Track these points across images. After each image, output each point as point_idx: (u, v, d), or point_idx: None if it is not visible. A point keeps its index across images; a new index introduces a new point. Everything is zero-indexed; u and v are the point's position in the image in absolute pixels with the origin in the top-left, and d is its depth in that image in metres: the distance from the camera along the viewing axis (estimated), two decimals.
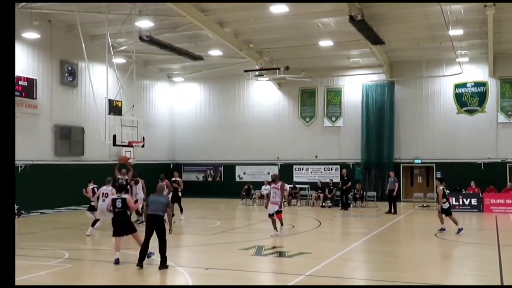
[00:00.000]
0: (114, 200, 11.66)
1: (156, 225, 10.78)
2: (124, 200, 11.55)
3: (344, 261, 12.01)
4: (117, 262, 11.07)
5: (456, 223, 16.23)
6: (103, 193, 15.78)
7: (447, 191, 24.07)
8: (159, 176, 17.72)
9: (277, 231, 15.59)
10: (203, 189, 31.68)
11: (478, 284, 9.77)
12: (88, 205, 18.10)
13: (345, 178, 25.22)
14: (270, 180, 28.86)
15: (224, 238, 15.54)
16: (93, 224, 16.14)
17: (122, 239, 11.48)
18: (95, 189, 17.24)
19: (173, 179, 20.10)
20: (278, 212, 15.69)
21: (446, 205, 16.48)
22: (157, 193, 11.45)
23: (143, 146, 23.13)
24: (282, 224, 15.98)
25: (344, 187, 24.84)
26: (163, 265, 10.63)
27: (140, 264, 10.68)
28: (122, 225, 11.45)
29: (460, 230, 16.11)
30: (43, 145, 23.85)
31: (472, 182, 24.88)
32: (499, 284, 9.59)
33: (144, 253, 10.76)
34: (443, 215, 16.52)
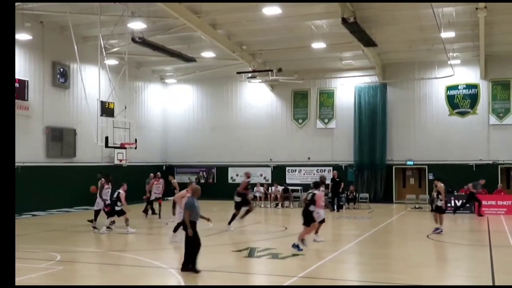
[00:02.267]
0: (308, 194, 13.51)
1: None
2: (313, 195, 13.28)
3: (337, 263, 12.02)
4: (298, 248, 12.66)
5: (441, 223, 16.41)
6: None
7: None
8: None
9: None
10: None
11: (470, 285, 9.82)
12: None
13: (337, 179, 25.25)
14: (262, 182, 29.51)
15: (217, 240, 15.48)
16: (175, 229, 14.22)
17: (307, 229, 13.05)
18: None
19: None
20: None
21: (441, 203, 16.48)
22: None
23: (135, 148, 23.20)
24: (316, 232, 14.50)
25: (339, 189, 24.82)
26: (191, 268, 10.33)
27: (184, 268, 10.33)
28: (304, 216, 13.20)
29: (437, 230, 16.34)
30: (34, 147, 23.70)
31: (470, 184, 24.76)
32: (491, 284, 9.64)
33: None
34: (437, 214, 16.56)
